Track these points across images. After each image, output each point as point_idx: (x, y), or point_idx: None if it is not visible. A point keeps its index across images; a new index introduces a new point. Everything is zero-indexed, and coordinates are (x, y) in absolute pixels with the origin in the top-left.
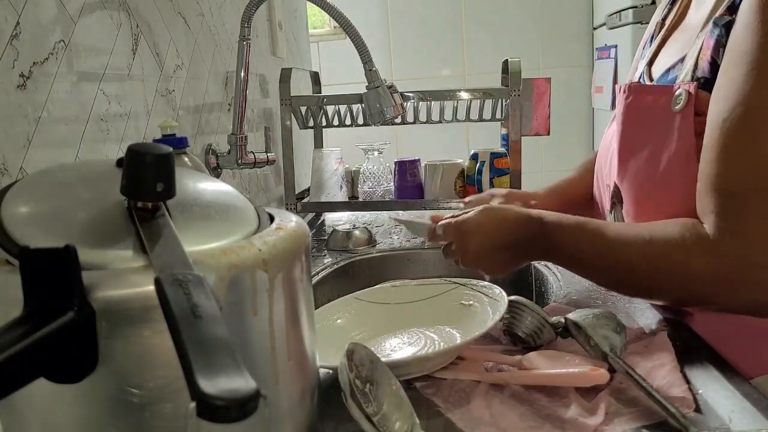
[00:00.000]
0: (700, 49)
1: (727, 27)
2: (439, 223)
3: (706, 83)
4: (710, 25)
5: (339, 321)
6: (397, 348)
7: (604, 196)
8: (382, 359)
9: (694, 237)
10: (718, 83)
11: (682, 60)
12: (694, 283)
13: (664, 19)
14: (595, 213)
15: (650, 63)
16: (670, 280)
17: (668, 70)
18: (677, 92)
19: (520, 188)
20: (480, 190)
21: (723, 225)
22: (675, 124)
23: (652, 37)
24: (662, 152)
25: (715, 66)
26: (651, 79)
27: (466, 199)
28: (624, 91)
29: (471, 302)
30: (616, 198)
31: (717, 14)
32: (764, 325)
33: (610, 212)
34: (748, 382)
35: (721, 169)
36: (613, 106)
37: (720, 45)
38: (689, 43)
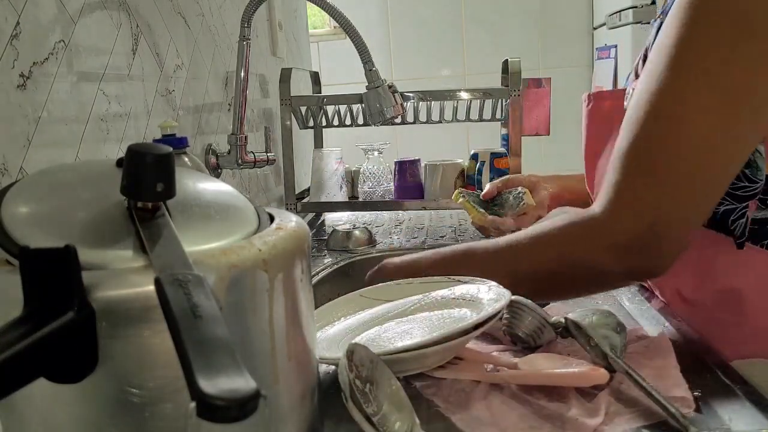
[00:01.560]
0: (647, 49)
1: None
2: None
3: None
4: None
5: (343, 318)
6: (406, 331)
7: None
8: (396, 343)
9: (579, 219)
10: (640, 75)
11: (644, 57)
12: (599, 262)
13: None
14: None
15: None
16: (560, 272)
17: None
18: (627, 91)
19: None
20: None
21: (611, 198)
22: None
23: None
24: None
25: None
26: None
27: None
28: (585, 100)
29: (476, 294)
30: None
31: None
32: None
33: None
34: (748, 382)
35: (622, 148)
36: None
37: (651, 44)
38: None
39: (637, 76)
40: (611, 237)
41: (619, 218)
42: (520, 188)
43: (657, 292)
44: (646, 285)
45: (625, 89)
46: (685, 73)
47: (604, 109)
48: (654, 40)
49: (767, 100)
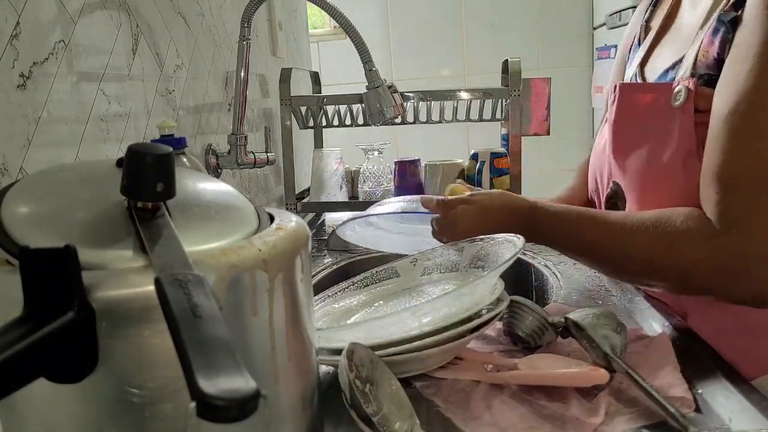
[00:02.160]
0: (700, 46)
1: (733, 23)
2: (435, 198)
3: (710, 80)
4: (712, 21)
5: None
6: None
7: (602, 196)
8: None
9: (697, 227)
10: (723, 77)
11: (681, 60)
12: (695, 273)
13: (648, 21)
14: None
15: (642, 65)
16: (671, 269)
17: (667, 71)
18: (677, 89)
19: (520, 188)
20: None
21: (725, 216)
22: (675, 120)
23: (639, 41)
24: (663, 149)
25: (721, 62)
26: (644, 80)
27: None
28: (615, 91)
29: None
30: (618, 197)
31: (721, 10)
32: (764, 322)
33: None
34: (748, 382)
35: (725, 161)
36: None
37: (726, 41)
38: (687, 43)
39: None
40: (728, 256)
41: (736, 238)
42: None
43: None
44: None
45: (670, 85)
46: None
47: (642, 102)
48: (723, 35)
49: None
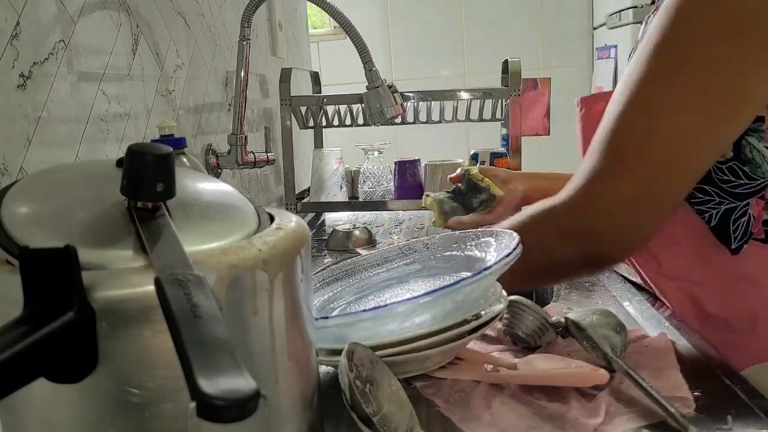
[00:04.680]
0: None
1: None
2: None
3: None
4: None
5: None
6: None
7: None
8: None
9: (555, 205)
10: (628, 66)
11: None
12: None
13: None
14: None
15: None
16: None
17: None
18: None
19: None
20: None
21: (575, 185)
22: None
23: (634, 49)
24: None
25: None
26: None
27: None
28: (578, 104)
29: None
30: None
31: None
32: (743, 317)
33: None
34: (748, 382)
35: (597, 133)
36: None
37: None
38: None
39: None
40: (564, 221)
41: (573, 204)
42: (484, 195)
43: (667, 302)
44: (650, 290)
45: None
46: (667, 70)
47: (597, 112)
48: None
49: (746, 100)
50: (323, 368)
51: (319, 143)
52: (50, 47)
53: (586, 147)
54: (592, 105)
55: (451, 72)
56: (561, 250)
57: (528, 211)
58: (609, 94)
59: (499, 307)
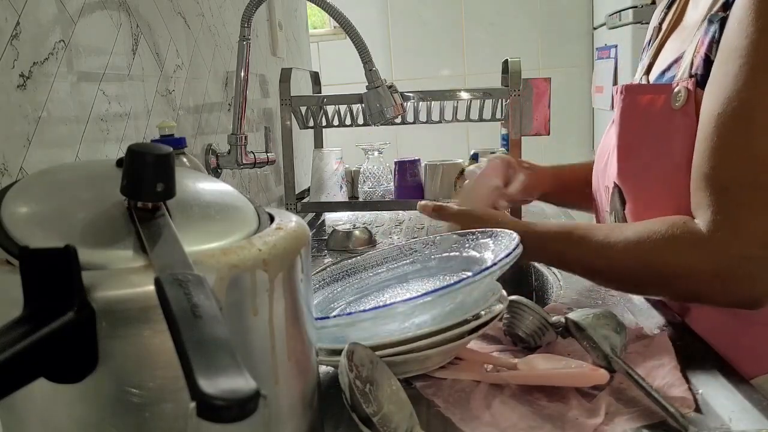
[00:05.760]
0: (696, 46)
1: (722, 23)
2: (431, 205)
3: (701, 80)
4: (705, 22)
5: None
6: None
7: (603, 197)
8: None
9: (683, 233)
10: (711, 78)
11: (678, 59)
12: (685, 279)
13: (661, 23)
14: (594, 211)
15: (650, 65)
16: (661, 277)
17: (664, 71)
18: (676, 89)
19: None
20: None
21: (716, 219)
22: (676, 121)
23: (650, 42)
24: (665, 150)
25: (708, 62)
26: (648, 81)
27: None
28: (620, 92)
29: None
30: (619, 199)
31: (713, 11)
32: (765, 320)
33: (610, 214)
34: (748, 382)
35: (715, 164)
36: (613, 106)
37: (714, 41)
38: (686, 42)
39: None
40: (718, 260)
41: (726, 241)
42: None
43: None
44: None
45: (670, 85)
46: None
47: (643, 103)
48: (712, 36)
49: None
50: (323, 368)
51: (319, 143)
52: (50, 47)
53: (625, 138)
54: (636, 95)
55: (451, 72)
56: (707, 287)
57: (659, 225)
58: (654, 86)
59: (499, 307)
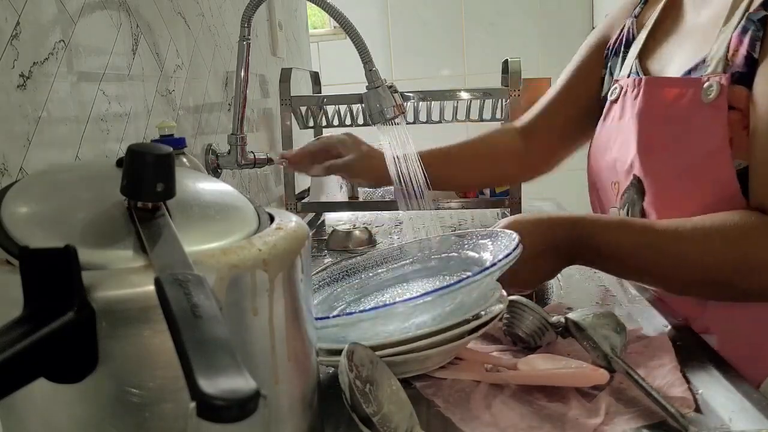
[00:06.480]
0: (728, 46)
1: (763, 21)
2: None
3: (741, 77)
4: (740, 21)
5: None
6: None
7: (609, 193)
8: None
9: (761, 225)
10: (765, 76)
11: (703, 61)
12: (763, 272)
13: (638, 17)
14: (596, 209)
15: (641, 61)
16: (736, 271)
17: (689, 72)
18: (707, 84)
19: (519, 188)
20: (480, 191)
21: None
22: (705, 115)
23: (632, 36)
24: (692, 144)
25: (751, 60)
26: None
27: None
28: (639, 85)
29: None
30: (636, 193)
31: (751, 10)
32: None
33: (621, 208)
34: (748, 382)
35: None
36: (608, 96)
37: (756, 39)
38: (707, 44)
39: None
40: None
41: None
42: None
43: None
44: (655, 292)
45: (699, 79)
46: None
47: (668, 97)
48: (753, 34)
49: None
50: (323, 368)
51: None
52: (50, 47)
53: (646, 130)
54: (660, 89)
55: (451, 72)
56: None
57: (730, 217)
58: (681, 80)
59: (499, 307)
